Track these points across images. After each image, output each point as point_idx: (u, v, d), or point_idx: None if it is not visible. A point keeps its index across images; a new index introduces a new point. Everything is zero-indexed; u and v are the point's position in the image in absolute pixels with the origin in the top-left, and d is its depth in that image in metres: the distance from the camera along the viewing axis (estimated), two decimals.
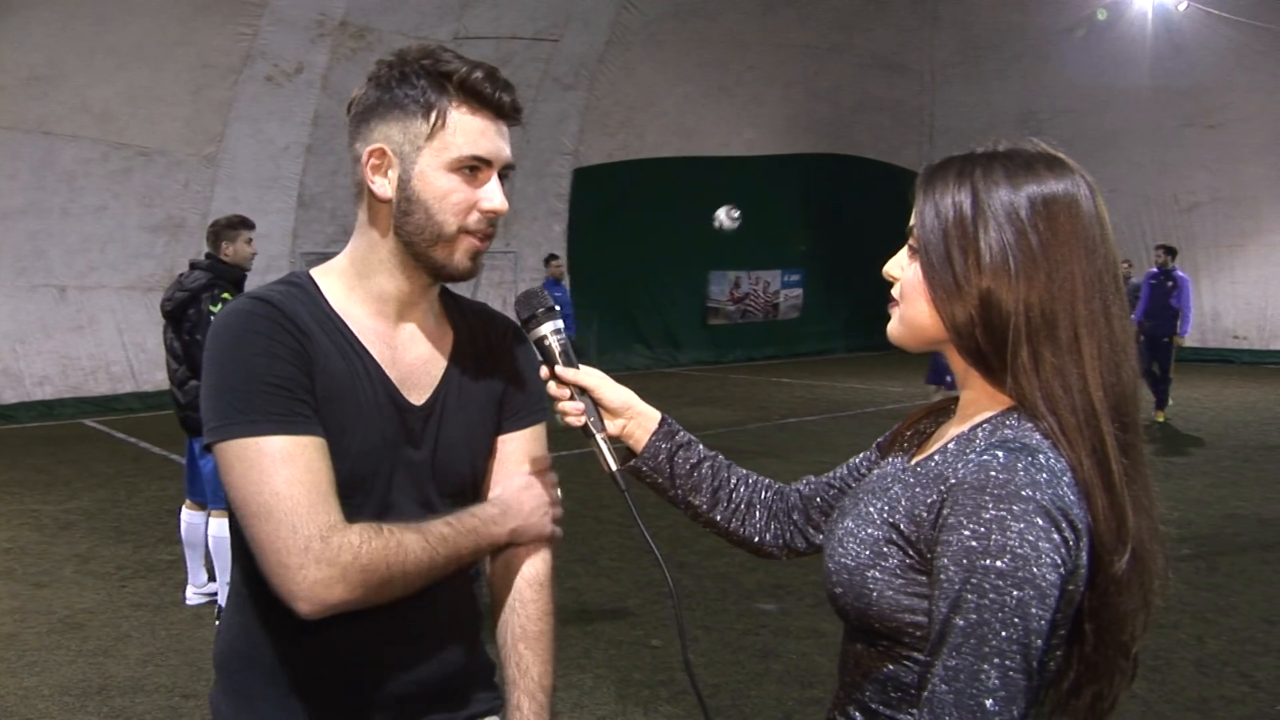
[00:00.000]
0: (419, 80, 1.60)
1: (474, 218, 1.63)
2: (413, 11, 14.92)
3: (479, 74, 1.60)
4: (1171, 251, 13.29)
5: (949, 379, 10.59)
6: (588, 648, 5.30)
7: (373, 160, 1.63)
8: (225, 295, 5.56)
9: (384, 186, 1.63)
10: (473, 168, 1.62)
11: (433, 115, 1.59)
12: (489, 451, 1.81)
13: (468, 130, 1.60)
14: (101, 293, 14.34)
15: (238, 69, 14.27)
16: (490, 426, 1.80)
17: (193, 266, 5.82)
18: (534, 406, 1.85)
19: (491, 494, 1.79)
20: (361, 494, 1.62)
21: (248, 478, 1.50)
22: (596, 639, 5.42)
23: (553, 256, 14.33)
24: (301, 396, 1.55)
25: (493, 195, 1.63)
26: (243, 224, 5.86)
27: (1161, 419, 12.66)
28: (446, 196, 1.61)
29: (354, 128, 1.67)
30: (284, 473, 1.49)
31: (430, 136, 1.60)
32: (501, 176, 1.66)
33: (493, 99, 1.62)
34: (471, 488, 1.78)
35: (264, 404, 1.51)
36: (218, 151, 14.69)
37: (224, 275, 5.69)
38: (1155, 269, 13.02)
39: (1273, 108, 18.46)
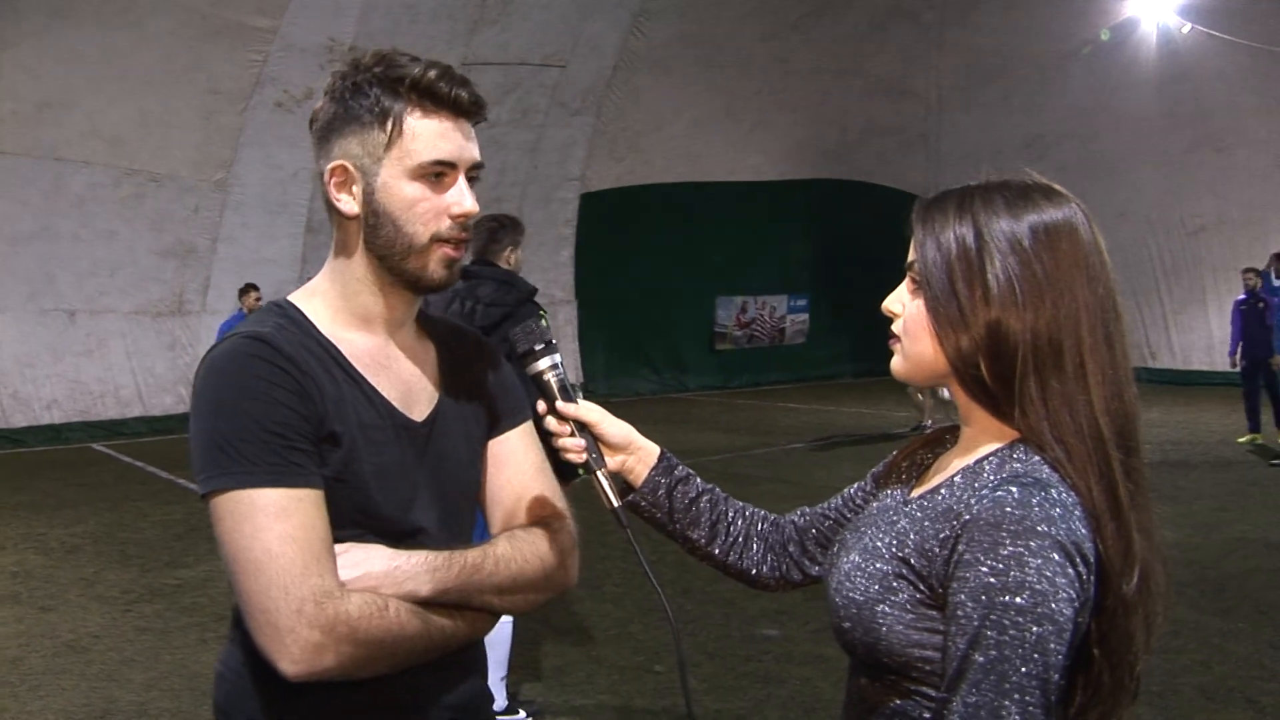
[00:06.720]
0: (372, 89, 1.54)
1: (445, 224, 1.57)
2: (421, 37, 14.98)
3: (433, 73, 1.54)
4: (1262, 274, 12.87)
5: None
6: (590, 673, 5.30)
7: (335, 178, 1.58)
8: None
9: (349, 203, 1.58)
10: (437, 173, 1.56)
11: (389, 123, 1.54)
12: (482, 459, 1.78)
13: (426, 134, 1.55)
14: (111, 317, 14.45)
15: (247, 95, 14.37)
16: (481, 434, 1.77)
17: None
18: (519, 405, 1.83)
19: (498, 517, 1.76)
20: (383, 520, 1.57)
21: (239, 531, 1.43)
22: (600, 664, 5.41)
23: (251, 287, 12.94)
24: (300, 445, 1.48)
25: (461, 198, 1.58)
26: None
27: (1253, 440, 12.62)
28: (413, 206, 1.55)
29: (316, 146, 1.62)
30: (277, 529, 1.42)
31: (389, 146, 1.54)
32: (471, 178, 1.60)
33: (449, 97, 1.56)
34: (472, 498, 1.76)
35: (259, 453, 1.44)
36: (227, 177, 14.79)
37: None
38: (1245, 293, 12.66)
39: (1278, 130, 18.44)
